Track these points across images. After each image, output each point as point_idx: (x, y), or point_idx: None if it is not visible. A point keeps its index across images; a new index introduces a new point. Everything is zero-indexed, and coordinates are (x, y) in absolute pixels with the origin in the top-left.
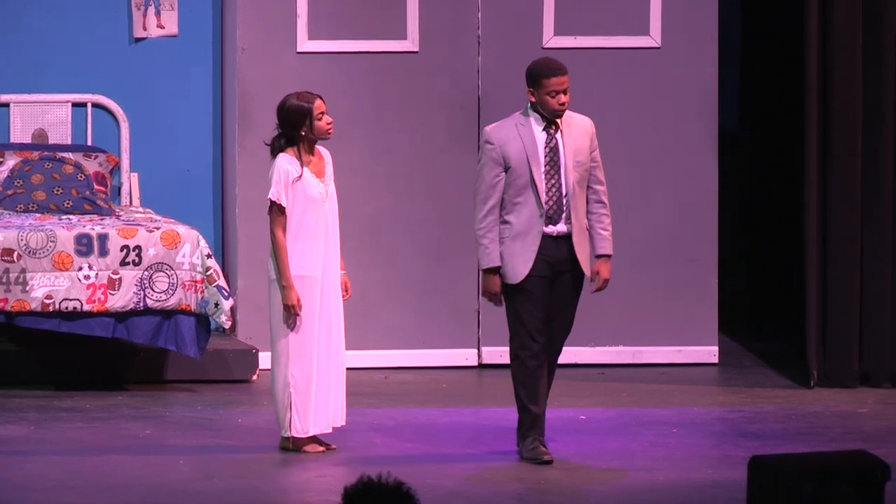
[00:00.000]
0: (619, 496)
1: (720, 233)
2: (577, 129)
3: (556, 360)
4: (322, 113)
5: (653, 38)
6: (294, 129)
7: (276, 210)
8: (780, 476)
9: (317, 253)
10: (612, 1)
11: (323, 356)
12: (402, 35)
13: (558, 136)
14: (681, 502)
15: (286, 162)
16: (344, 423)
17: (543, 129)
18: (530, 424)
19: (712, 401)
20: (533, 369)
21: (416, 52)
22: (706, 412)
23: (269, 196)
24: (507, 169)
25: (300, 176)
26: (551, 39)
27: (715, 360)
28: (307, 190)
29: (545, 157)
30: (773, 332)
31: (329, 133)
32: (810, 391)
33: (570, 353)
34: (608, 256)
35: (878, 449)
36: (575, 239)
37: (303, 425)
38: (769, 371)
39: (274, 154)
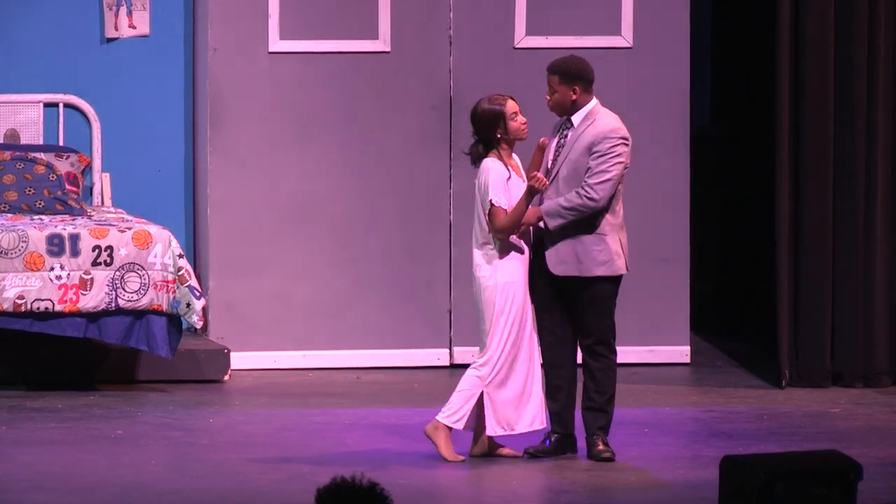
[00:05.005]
0: (591, 496)
1: (691, 232)
2: (591, 130)
3: (590, 360)
4: (515, 113)
5: (624, 38)
6: (489, 132)
7: (498, 213)
8: (752, 476)
9: (523, 258)
10: (584, 1)
11: (535, 359)
12: (373, 35)
13: (570, 132)
14: (653, 502)
15: (496, 164)
16: (544, 425)
17: (561, 126)
18: (550, 419)
19: (684, 401)
20: (545, 364)
21: (388, 52)
22: (678, 412)
23: (492, 200)
24: None
25: (510, 177)
26: (523, 39)
27: (687, 359)
28: (515, 192)
29: (554, 153)
30: (744, 331)
31: (524, 133)
32: (782, 391)
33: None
34: (539, 212)
35: (850, 449)
36: (547, 236)
37: (510, 424)
38: (741, 371)
39: (477, 160)
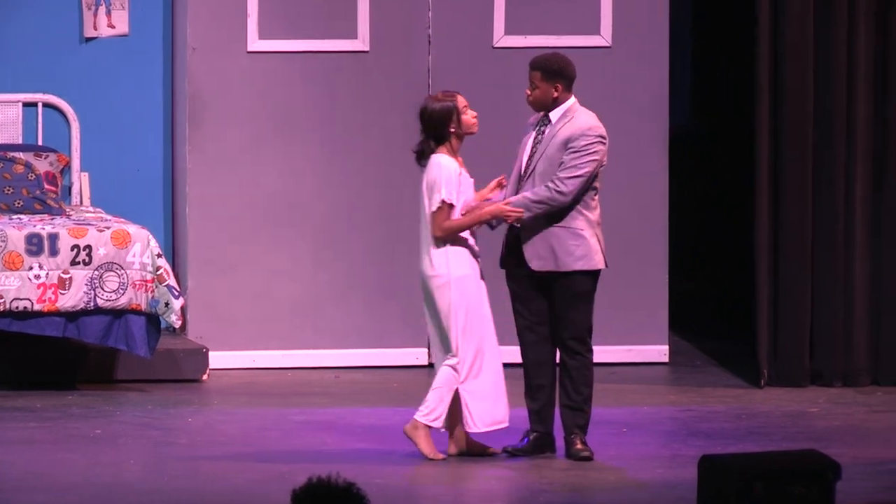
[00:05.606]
0: (569, 495)
1: (670, 231)
2: (569, 126)
3: (567, 358)
4: (466, 107)
5: (603, 38)
6: (443, 128)
7: (447, 210)
8: (731, 475)
9: (473, 251)
10: (563, 0)
11: (496, 352)
12: (352, 34)
13: (547, 129)
14: (631, 501)
15: (447, 159)
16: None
17: (538, 122)
18: (529, 417)
19: (663, 400)
20: (526, 362)
21: (367, 52)
22: (656, 411)
23: (444, 197)
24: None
25: (461, 173)
26: (502, 39)
27: (665, 359)
28: (464, 188)
29: (530, 149)
30: (723, 331)
31: (476, 127)
32: (761, 390)
33: (518, 352)
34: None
35: (828, 448)
36: (523, 233)
37: (480, 421)
38: (720, 370)
39: (424, 158)
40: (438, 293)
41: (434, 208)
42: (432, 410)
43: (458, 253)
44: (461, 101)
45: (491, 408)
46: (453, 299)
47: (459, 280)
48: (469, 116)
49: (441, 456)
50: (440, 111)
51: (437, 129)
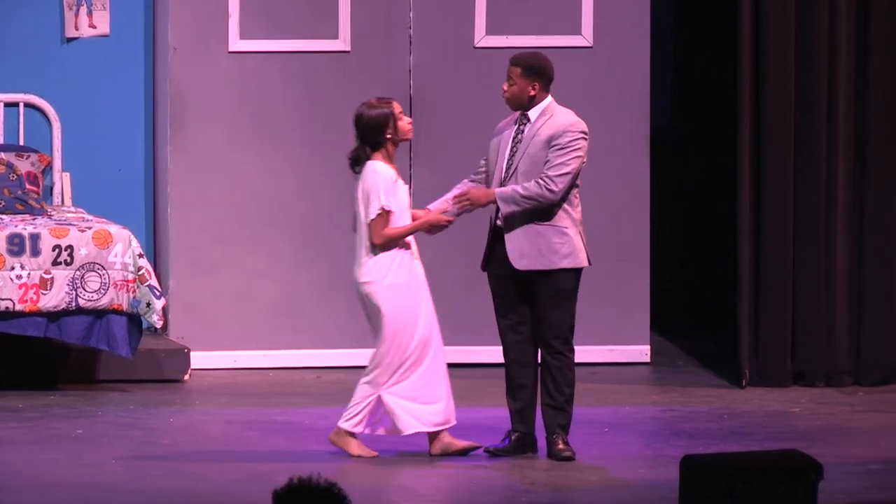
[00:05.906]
0: (551, 495)
1: (651, 231)
2: (550, 124)
3: (549, 358)
4: (401, 113)
5: (584, 38)
6: (379, 135)
7: (386, 217)
8: (713, 475)
9: (411, 259)
10: (545, 0)
11: (438, 355)
12: (333, 34)
13: (527, 127)
14: (613, 501)
15: (383, 166)
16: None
17: (516, 121)
18: (511, 417)
19: (644, 400)
20: (508, 362)
21: (348, 52)
22: (638, 411)
23: (382, 204)
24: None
25: (396, 180)
26: (483, 39)
27: (647, 359)
28: (400, 195)
29: (510, 148)
30: (705, 331)
31: (411, 133)
32: (743, 390)
33: (499, 352)
34: (492, 195)
35: (811, 448)
36: (507, 232)
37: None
38: (702, 370)
39: (360, 164)
40: (368, 299)
41: (373, 216)
42: (352, 417)
43: (392, 259)
44: (396, 107)
45: (425, 411)
46: (382, 306)
47: (390, 288)
48: (405, 122)
49: (374, 453)
50: (376, 118)
51: (373, 136)
